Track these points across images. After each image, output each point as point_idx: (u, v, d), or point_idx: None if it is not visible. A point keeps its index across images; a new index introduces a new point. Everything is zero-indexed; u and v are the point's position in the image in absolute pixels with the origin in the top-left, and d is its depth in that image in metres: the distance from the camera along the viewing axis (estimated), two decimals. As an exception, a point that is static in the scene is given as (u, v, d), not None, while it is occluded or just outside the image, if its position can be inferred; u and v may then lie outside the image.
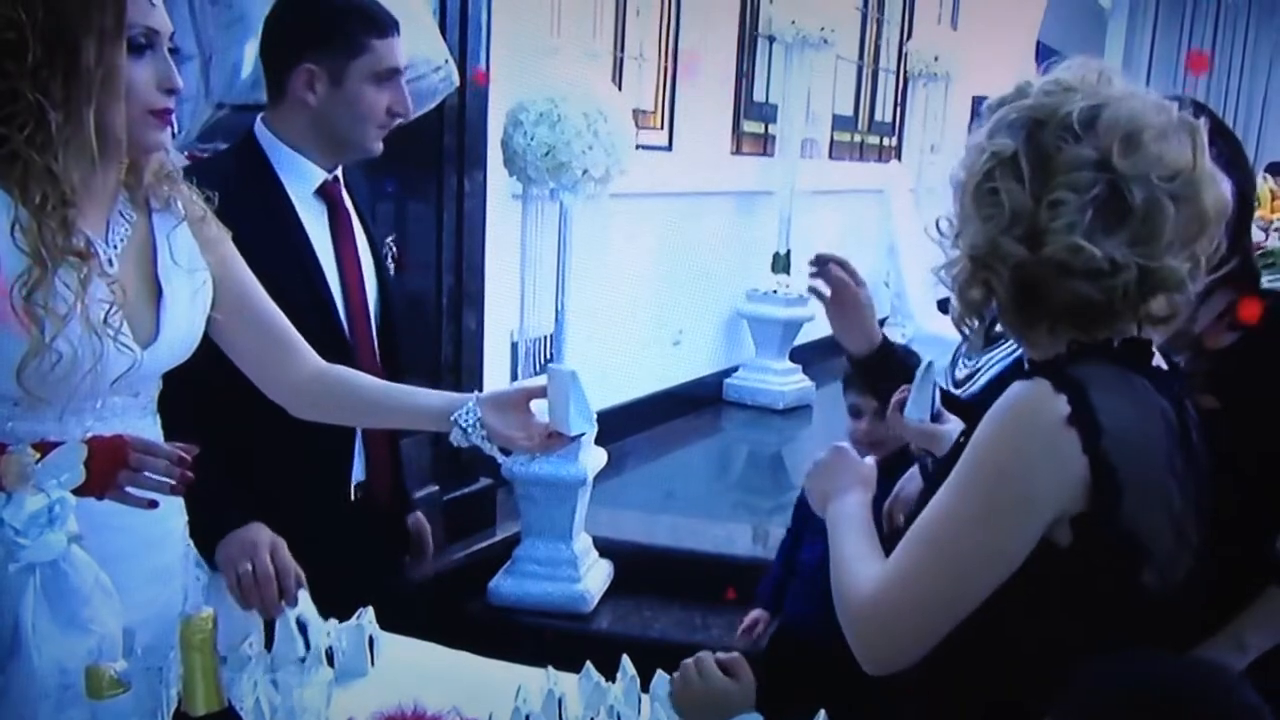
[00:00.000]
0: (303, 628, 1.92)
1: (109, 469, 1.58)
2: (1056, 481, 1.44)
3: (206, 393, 1.97)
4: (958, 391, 2.46)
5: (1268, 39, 14.12)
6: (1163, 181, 1.43)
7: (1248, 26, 14.13)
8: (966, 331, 1.62)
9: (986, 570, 1.47)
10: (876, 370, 2.32)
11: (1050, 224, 1.44)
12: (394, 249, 2.57)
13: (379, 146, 2.37)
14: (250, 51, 2.41)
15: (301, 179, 2.34)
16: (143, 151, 1.76)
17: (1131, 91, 1.51)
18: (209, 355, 1.97)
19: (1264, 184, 9.03)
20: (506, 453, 2.05)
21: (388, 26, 2.32)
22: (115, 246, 1.76)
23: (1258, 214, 7.09)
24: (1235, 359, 1.87)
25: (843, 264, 2.28)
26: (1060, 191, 1.44)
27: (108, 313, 1.68)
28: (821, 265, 2.28)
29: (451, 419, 1.97)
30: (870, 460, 1.86)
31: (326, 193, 2.37)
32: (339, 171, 2.40)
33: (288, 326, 2.03)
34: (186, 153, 2.51)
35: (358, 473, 2.41)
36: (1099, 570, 1.46)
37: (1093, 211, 1.43)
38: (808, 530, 2.98)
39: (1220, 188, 1.49)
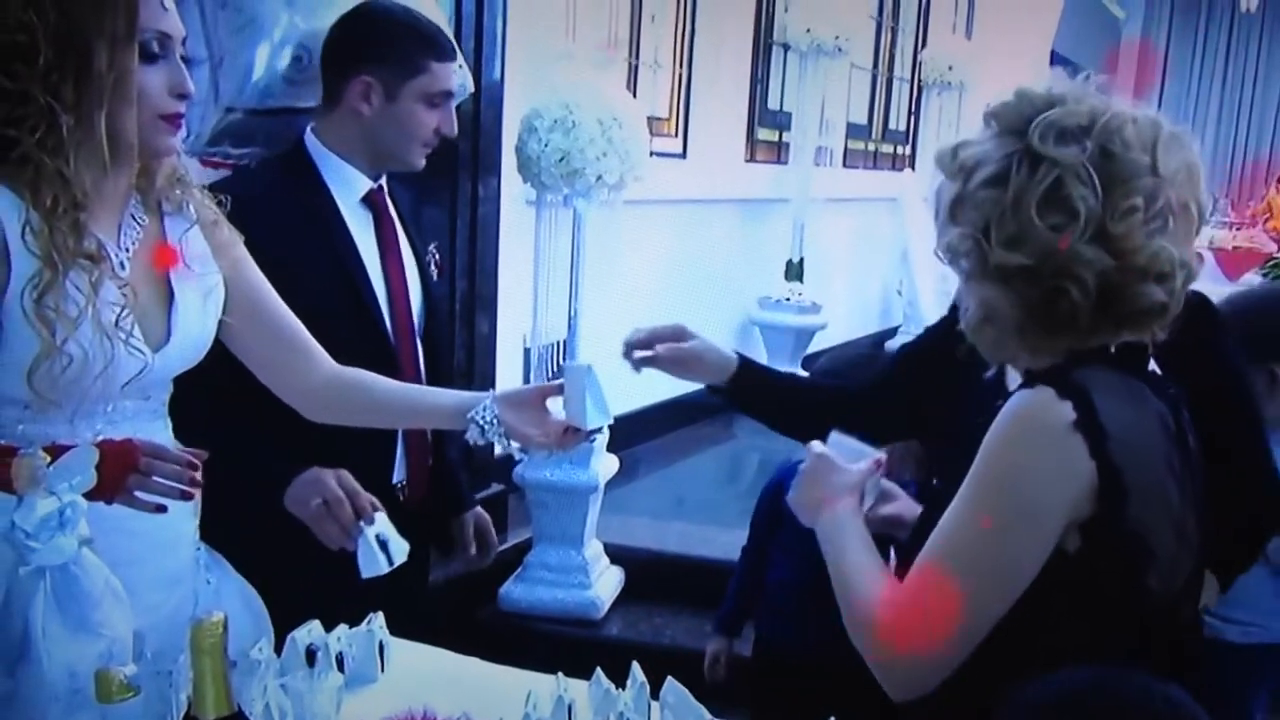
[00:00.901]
0: (383, 545, 1.97)
1: (118, 473, 1.58)
2: (1067, 488, 1.45)
3: (241, 394, 2.03)
4: None
5: (1282, 49, 14.09)
6: (1185, 183, 1.50)
7: (1261, 36, 14.12)
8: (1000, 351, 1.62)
9: (1008, 584, 1.47)
10: (750, 389, 2.30)
11: (1125, 230, 1.46)
12: (437, 256, 2.59)
13: (422, 163, 2.43)
14: (261, 55, 2.41)
15: (348, 187, 2.37)
16: (153, 156, 1.76)
17: (1115, 99, 1.55)
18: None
19: (1277, 194, 9.00)
20: (525, 451, 2.06)
21: (447, 52, 2.39)
22: (127, 250, 1.76)
23: (1271, 225, 7.07)
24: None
25: (648, 339, 2.25)
26: (1134, 198, 1.47)
27: (119, 315, 1.68)
28: (635, 348, 2.26)
29: (469, 416, 1.99)
30: (862, 465, 1.80)
31: (371, 201, 2.41)
32: (383, 180, 2.44)
33: (300, 330, 2.03)
34: (198, 158, 2.51)
35: (398, 474, 2.43)
36: (1106, 574, 1.48)
37: (1156, 216, 1.48)
38: (774, 548, 2.91)
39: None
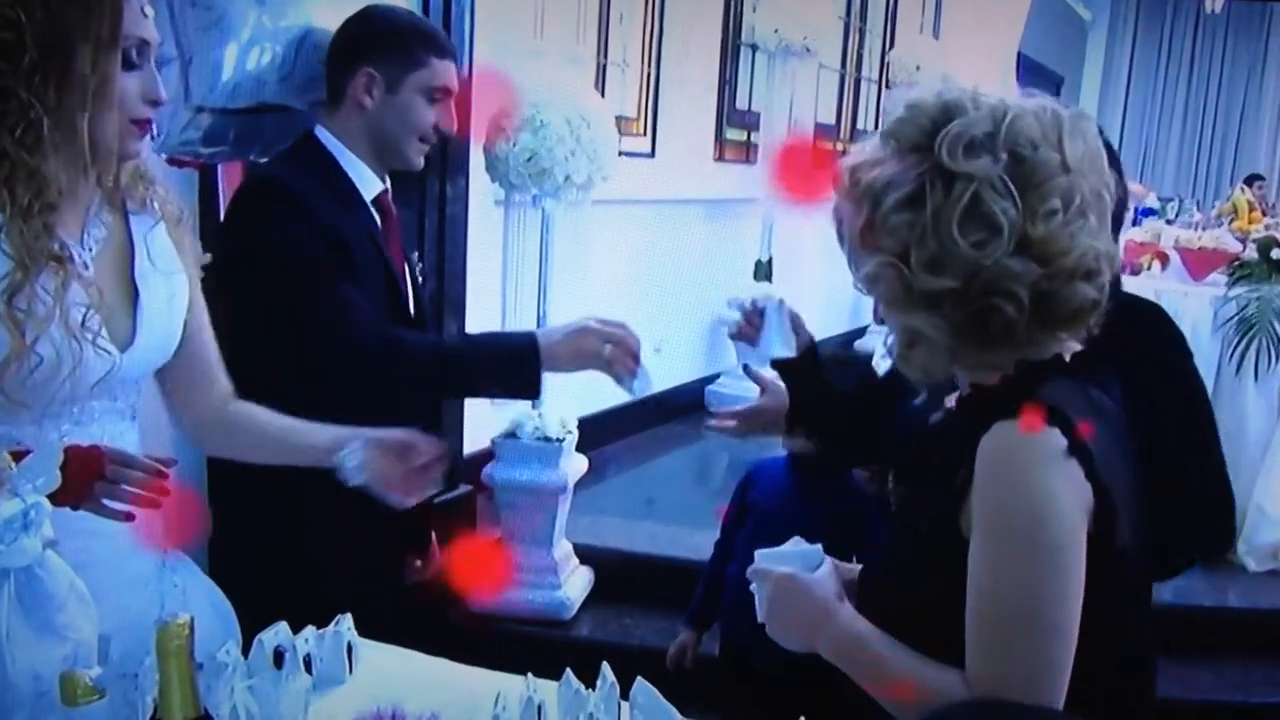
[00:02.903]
0: None
1: (84, 479, 1.56)
2: (1079, 510, 1.43)
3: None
4: None
5: (1246, 51, 14.23)
6: (1092, 170, 1.48)
7: (1226, 38, 14.22)
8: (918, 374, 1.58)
9: (1071, 618, 1.42)
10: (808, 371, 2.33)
11: (1048, 234, 1.43)
12: (421, 264, 2.65)
13: (420, 161, 2.53)
14: (230, 54, 2.41)
15: (365, 185, 2.46)
16: (121, 159, 1.75)
17: (1006, 96, 1.51)
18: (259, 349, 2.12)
19: (1242, 195, 9.07)
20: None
21: (446, 50, 2.51)
22: (90, 249, 1.75)
23: (1236, 225, 7.12)
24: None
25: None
26: (1051, 200, 1.44)
27: (86, 316, 1.67)
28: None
29: (339, 456, 1.96)
30: (824, 569, 1.64)
31: (381, 204, 2.50)
32: (388, 182, 2.53)
33: (216, 359, 2.03)
34: (167, 156, 2.50)
35: None
36: (1097, 590, 1.45)
37: (1076, 213, 1.45)
38: (739, 542, 2.91)
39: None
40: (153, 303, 1.82)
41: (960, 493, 1.48)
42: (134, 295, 1.81)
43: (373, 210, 2.48)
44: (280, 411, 2.07)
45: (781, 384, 2.36)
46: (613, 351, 2.25)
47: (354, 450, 1.95)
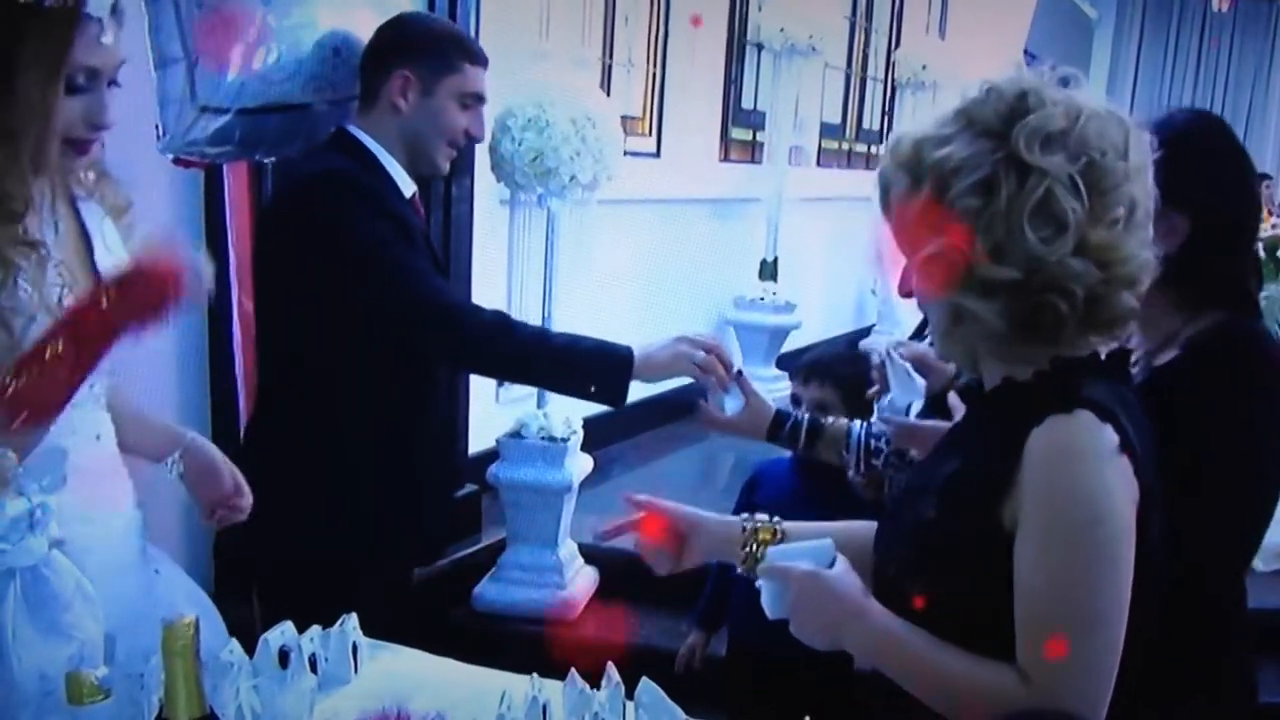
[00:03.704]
0: None
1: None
2: (1130, 505, 1.44)
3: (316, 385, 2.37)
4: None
5: (1253, 49, 14.20)
6: (1146, 182, 1.49)
7: (1233, 36, 14.19)
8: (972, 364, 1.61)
9: (1123, 611, 1.44)
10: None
11: (1110, 240, 1.45)
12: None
13: (446, 167, 2.59)
14: (236, 54, 2.41)
15: (404, 184, 2.51)
16: (65, 174, 1.81)
17: (1083, 96, 1.51)
18: (313, 342, 2.34)
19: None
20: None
21: (480, 57, 2.55)
22: (53, 240, 1.77)
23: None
24: (1174, 376, 1.86)
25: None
26: (1117, 207, 1.45)
27: (61, 294, 1.69)
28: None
29: (167, 461, 2.03)
30: (843, 565, 1.59)
31: (413, 204, 2.54)
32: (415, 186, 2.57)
33: None
34: (174, 156, 2.50)
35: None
36: (1136, 586, 1.45)
37: (1136, 222, 1.47)
38: None
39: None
40: None
41: (1001, 485, 1.47)
42: (97, 281, 1.82)
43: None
44: (346, 406, 2.35)
45: (765, 399, 2.38)
46: (706, 360, 2.31)
47: (173, 462, 2.03)
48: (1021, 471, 1.45)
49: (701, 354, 2.31)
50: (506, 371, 2.47)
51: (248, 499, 2.12)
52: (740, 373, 2.36)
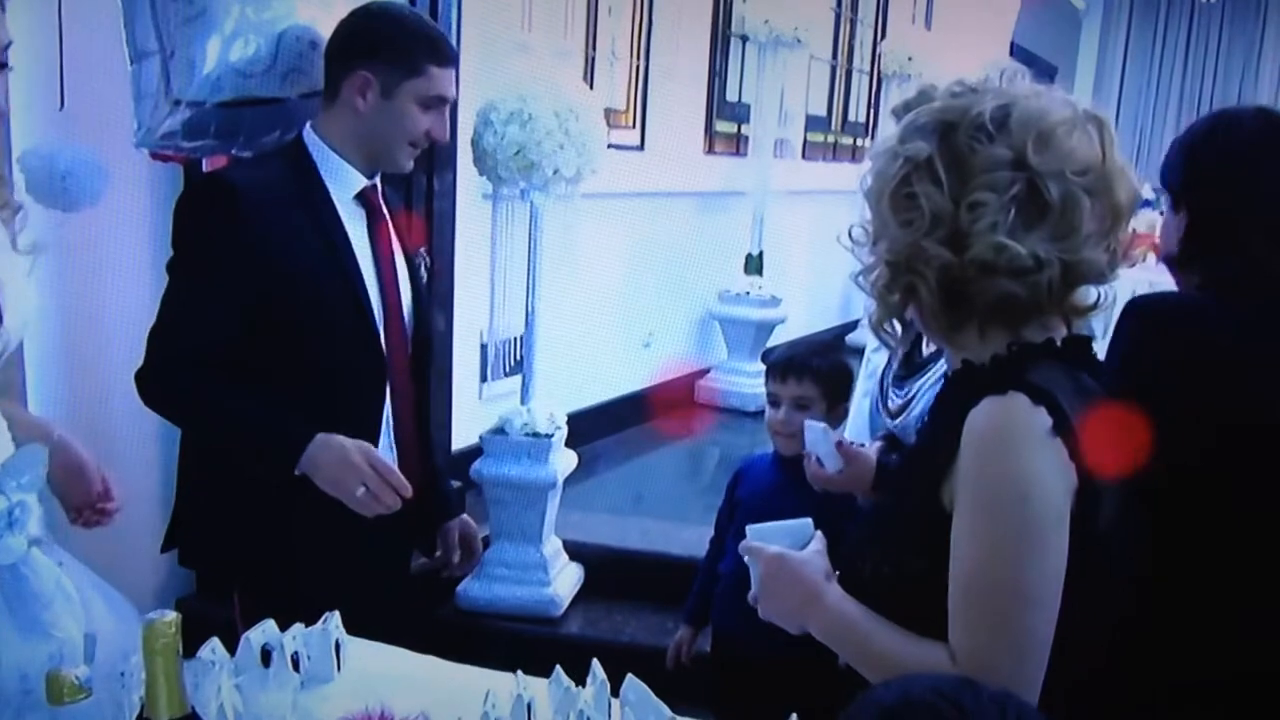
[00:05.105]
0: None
1: None
2: (1063, 490, 1.44)
3: (249, 376, 2.26)
4: (893, 422, 2.48)
5: (1242, 40, 14.25)
6: (1076, 176, 1.48)
7: (1221, 28, 14.23)
8: (886, 338, 1.65)
9: (1053, 594, 1.44)
10: None
11: (972, 225, 1.47)
12: (428, 260, 2.63)
13: (409, 165, 2.52)
14: (213, 47, 2.39)
15: (343, 184, 2.43)
16: None
17: (1036, 89, 1.53)
18: (241, 339, 2.25)
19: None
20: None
21: (448, 59, 2.46)
22: None
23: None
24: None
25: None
26: (980, 192, 1.47)
27: None
28: None
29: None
30: (814, 547, 1.66)
31: (365, 198, 2.46)
32: (377, 179, 2.50)
33: None
34: (149, 151, 2.49)
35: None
36: (1078, 570, 1.46)
37: (1014, 210, 1.46)
38: (730, 537, 2.87)
39: (1130, 179, 1.54)
40: (11, 283, 1.81)
41: (944, 466, 1.50)
42: None
43: (357, 208, 2.45)
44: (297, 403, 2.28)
45: (868, 456, 2.47)
46: (360, 498, 2.23)
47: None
48: (960, 453, 1.48)
49: (362, 489, 2.23)
50: (177, 419, 2.42)
51: (115, 503, 2.08)
52: (840, 441, 2.46)
